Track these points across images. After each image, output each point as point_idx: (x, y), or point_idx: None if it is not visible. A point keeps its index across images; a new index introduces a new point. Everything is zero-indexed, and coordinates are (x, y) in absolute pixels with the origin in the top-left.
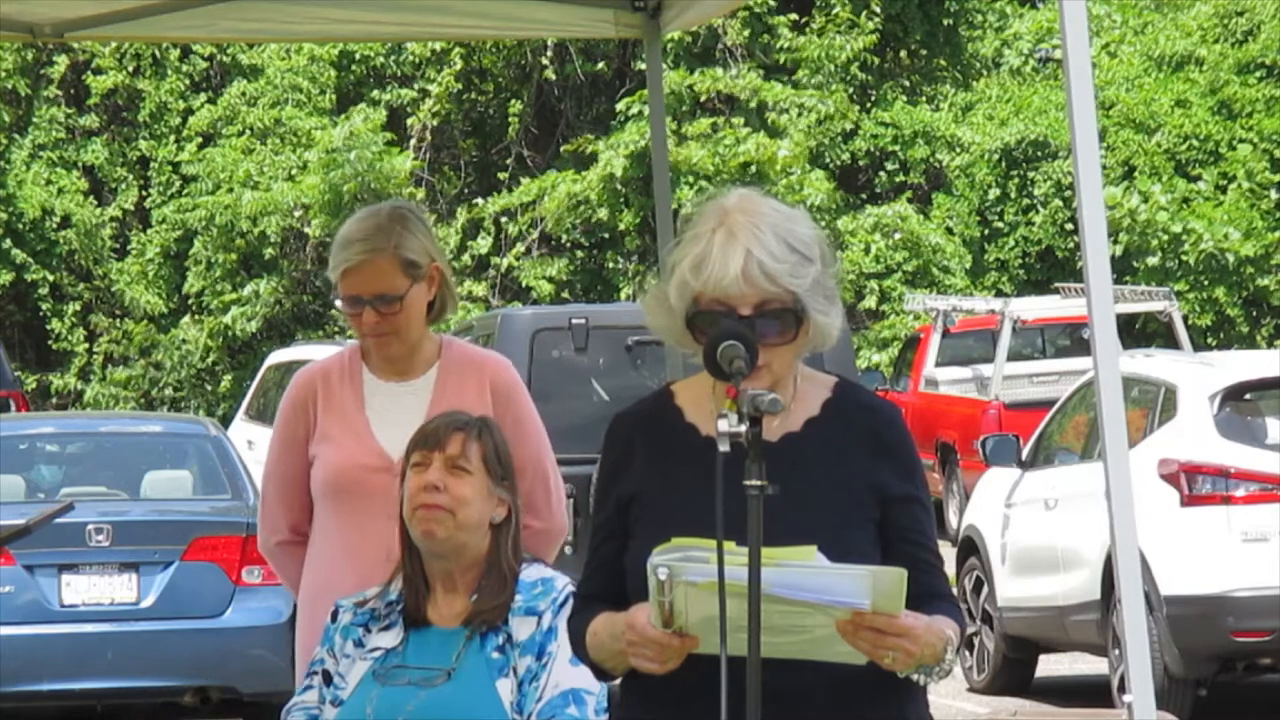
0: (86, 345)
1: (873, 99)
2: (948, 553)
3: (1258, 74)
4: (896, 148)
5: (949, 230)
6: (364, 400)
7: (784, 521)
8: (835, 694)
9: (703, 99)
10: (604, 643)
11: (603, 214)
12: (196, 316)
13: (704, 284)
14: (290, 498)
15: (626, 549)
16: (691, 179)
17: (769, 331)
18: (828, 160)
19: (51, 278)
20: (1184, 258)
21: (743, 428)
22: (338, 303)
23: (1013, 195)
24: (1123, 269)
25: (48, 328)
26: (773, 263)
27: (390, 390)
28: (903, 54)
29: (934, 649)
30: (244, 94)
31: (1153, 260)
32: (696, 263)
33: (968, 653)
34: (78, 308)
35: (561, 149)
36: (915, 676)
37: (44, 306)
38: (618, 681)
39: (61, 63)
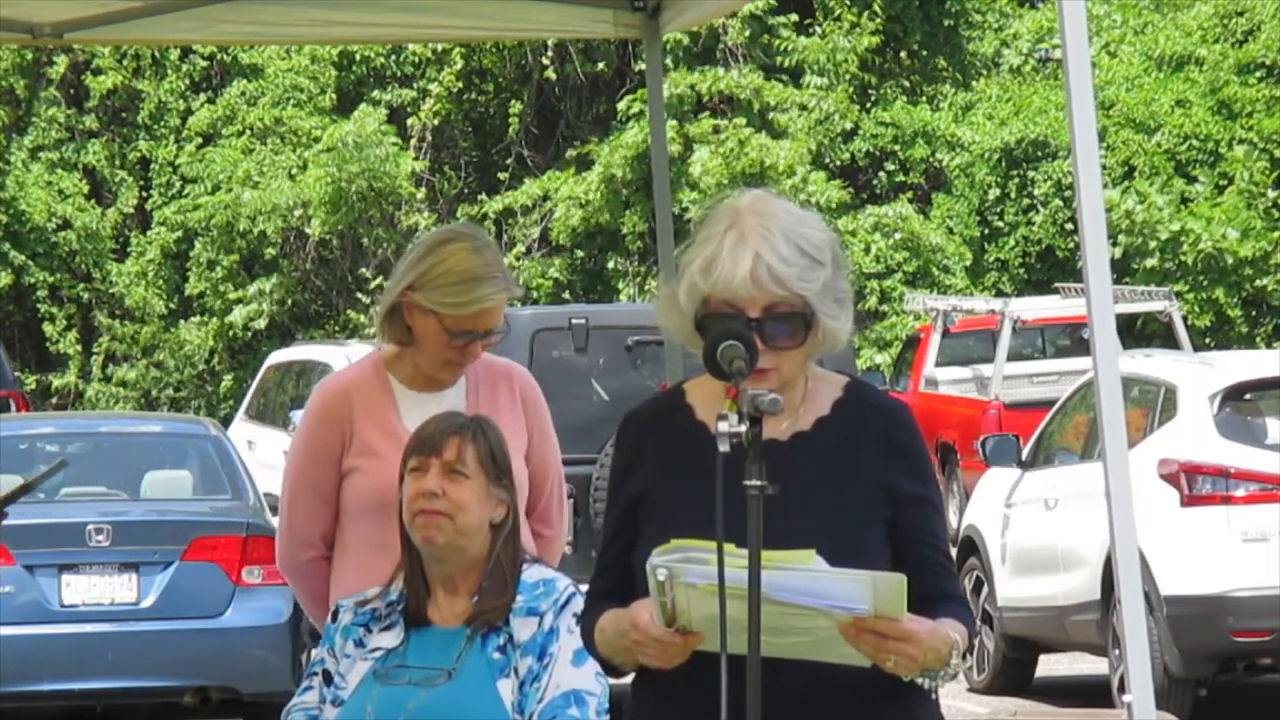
0: (79, 349)
1: (873, 99)
2: None
3: (1258, 74)
4: (896, 148)
5: (949, 230)
6: (400, 412)
7: (793, 521)
8: (842, 694)
9: (705, 99)
10: (611, 639)
11: (604, 218)
12: (201, 318)
13: (713, 286)
14: (321, 511)
15: (636, 548)
16: (696, 181)
17: (778, 334)
18: (827, 160)
19: (51, 279)
20: (1183, 258)
21: (743, 428)
22: (441, 333)
23: (1013, 195)
24: (1122, 270)
25: (43, 329)
26: (782, 266)
27: (423, 400)
28: (903, 54)
29: (938, 653)
30: (244, 94)
31: (1151, 262)
32: (706, 264)
33: (968, 653)
34: (72, 311)
35: (566, 154)
36: (920, 680)
37: (41, 309)
38: (628, 680)
39: (61, 63)
